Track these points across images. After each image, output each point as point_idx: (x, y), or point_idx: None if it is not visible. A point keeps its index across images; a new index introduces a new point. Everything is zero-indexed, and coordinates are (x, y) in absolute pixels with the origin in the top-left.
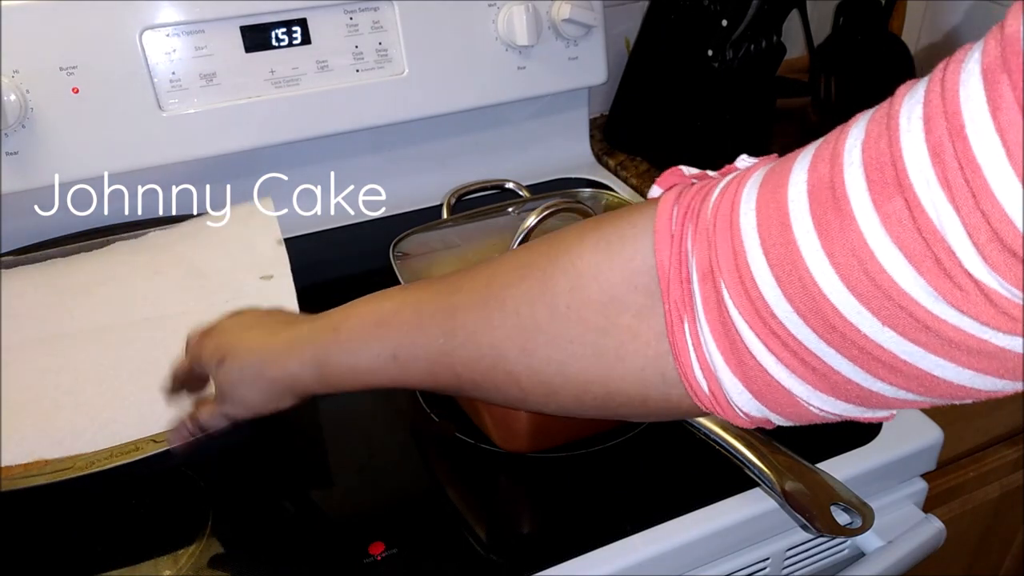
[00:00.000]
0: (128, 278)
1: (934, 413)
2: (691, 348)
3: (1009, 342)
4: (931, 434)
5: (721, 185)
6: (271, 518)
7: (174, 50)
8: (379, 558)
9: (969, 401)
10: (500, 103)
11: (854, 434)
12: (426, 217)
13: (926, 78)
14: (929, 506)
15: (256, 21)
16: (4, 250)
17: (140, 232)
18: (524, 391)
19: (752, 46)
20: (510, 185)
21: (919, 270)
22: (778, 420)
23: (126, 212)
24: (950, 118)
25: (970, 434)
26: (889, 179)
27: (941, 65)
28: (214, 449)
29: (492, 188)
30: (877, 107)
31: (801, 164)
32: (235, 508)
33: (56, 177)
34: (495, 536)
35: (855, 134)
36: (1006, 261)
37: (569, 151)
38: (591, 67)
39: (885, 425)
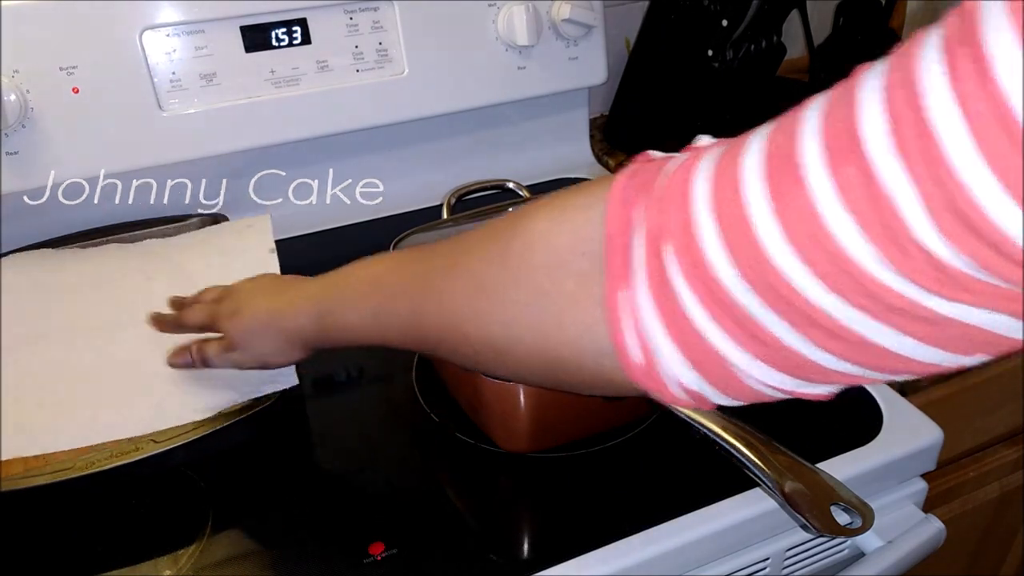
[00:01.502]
0: (117, 281)
1: (934, 413)
2: (626, 318)
3: (953, 310)
4: (931, 434)
5: (678, 160)
6: (271, 518)
7: (174, 50)
8: (379, 558)
9: (910, 377)
10: (500, 103)
11: (854, 434)
12: (426, 217)
13: (885, 59)
14: (929, 506)
15: (256, 21)
16: (4, 250)
17: (134, 235)
18: (477, 353)
19: (752, 46)
20: (510, 185)
21: (868, 235)
22: (715, 396)
23: (126, 212)
24: (908, 88)
25: (970, 434)
26: (845, 146)
27: (901, 47)
28: (214, 449)
29: (492, 188)
30: (837, 84)
31: (759, 135)
32: (235, 508)
33: (56, 177)
34: (495, 536)
35: (814, 106)
36: (956, 227)
37: (569, 151)
38: (591, 67)
39: (885, 425)
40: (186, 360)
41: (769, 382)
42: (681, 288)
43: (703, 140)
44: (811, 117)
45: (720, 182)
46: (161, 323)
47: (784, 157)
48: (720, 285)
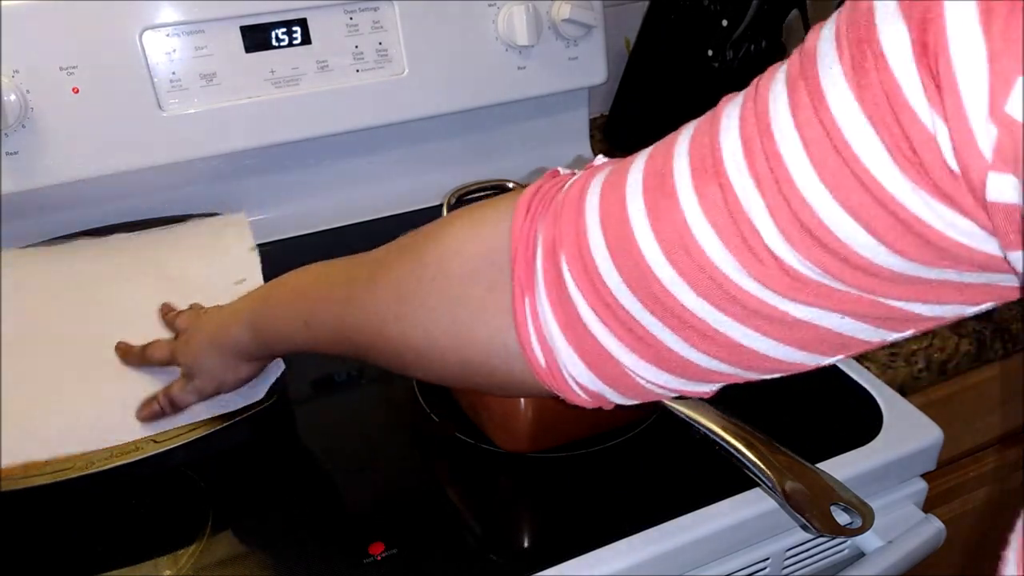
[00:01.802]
0: (98, 283)
1: (934, 413)
2: (530, 322)
3: (807, 314)
4: (931, 434)
5: (576, 176)
6: (271, 518)
7: (174, 50)
8: (379, 558)
9: (777, 375)
10: (500, 103)
11: (854, 434)
12: (426, 217)
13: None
14: (929, 506)
15: (256, 21)
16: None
17: (108, 235)
18: (399, 355)
19: (752, 46)
20: (510, 185)
21: (728, 246)
22: (612, 395)
23: (126, 212)
24: (760, 117)
25: (970, 434)
26: (708, 167)
27: (756, 79)
28: (214, 449)
29: (492, 188)
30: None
31: (641, 156)
32: (235, 508)
33: (56, 177)
34: (495, 536)
35: (686, 132)
36: (803, 239)
37: (569, 151)
38: (591, 67)
39: (885, 425)
40: (154, 409)
41: (656, 381)
42: (575, 294)
43: (599, 160)
44: (683, 140)
45: (607, 197)
46: (127, 354)
47: (660, 175)
48: (607, 290)
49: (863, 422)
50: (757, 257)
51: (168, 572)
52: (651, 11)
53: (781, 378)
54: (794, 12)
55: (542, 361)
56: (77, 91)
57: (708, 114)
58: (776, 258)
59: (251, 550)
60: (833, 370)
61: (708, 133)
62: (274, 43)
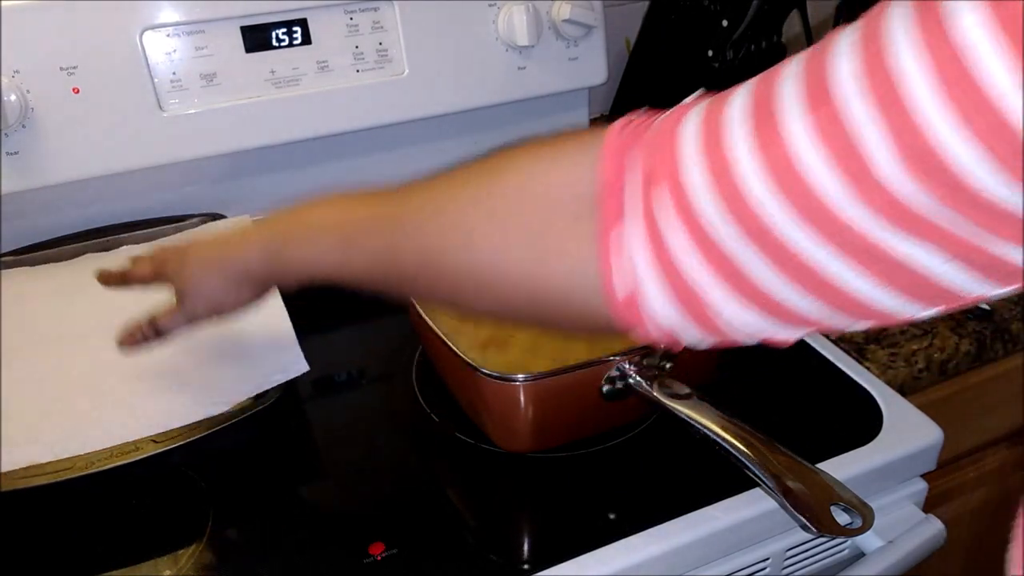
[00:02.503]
0: (99, 288)
1: (934, 413)
2: (616, 254)
3: (910, 251)
4: (931, 434)
5: (666, 114)
6: (271, 518)
7: (174, 50)
8: (379, 558)
9: (864, 324)
10: (500, 103)
11: (854, 434)
12: None
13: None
14: (929, 506)
15: (256, 21)
16: (4, 250)
17: (111, 240)
18: (456, 285)
19: (752, 46)
20: None
21: (838, 173)
22: (689, 333)
23: (126, 212)
24: (876, 39)
25: (970, 434)
26: (819, 93)
27: (866, 13)
28: (214, 449)
29: None
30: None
31: (743, 87)
32: (235, 508)
33: (56, 177)
34: (495, 536)
35: (793, 60)
36: (919, 165)
37: None
38: (591, 67)
39: (885, 425)
40: (137, 337)
41: (740, 320)
42: (669, 225)
43: (688, 100)
44: (791, 67)
45: (708, 126)
46: (107, 277)
47: (765, 102)
48: (705, 221)
49: (863, 422)
50: (868, 185)
51: (168, 572)
52: (651, 11)
53: (781, 378)
54: (794, 12)
55: (621, 295)
56: (77, 91)
57: (815, 46)
58: (888, 185)
59: (251, 550)
60: (833, 370)
61: (818, 59)
62: (274, 43)
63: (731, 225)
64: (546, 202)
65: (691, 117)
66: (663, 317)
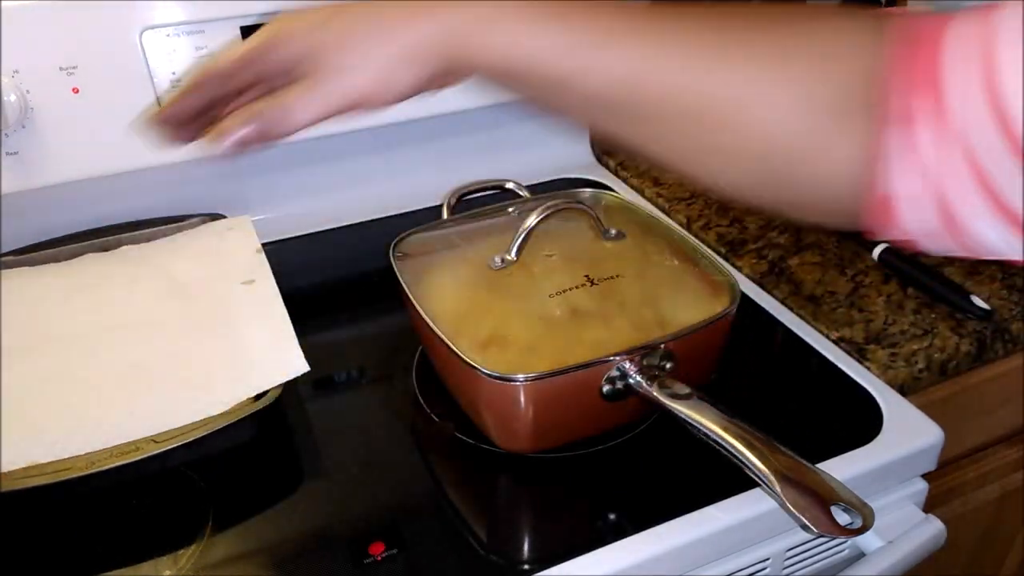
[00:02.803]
0: (102, 288)
1: (934, 413)
2: (883, 155)
3: None
4: (931, 434)
5: (934, 17)
6: (271, 518)
7: (174, 50)
8: (379, 558)
9: None
10: (500, 103)
11: (854, 434)
12: (426, 217)
13: None
14: (929, 506)
15: (256, 21)
16: (4, 250)
17: (112, 240)
18: (701, 117)
19: None
20: (510, 185)
21: None
22: (935, 242)
23: (126, 212)
24: None
25: (970, 434)
26: None
27: None
28: (214, 449)
29: (492, 188)
30: None
31: (1013, 4)
32: (235, 508)
33: (56, 177)
34: (495, 536)
35: None
36: None
37: (569, 151)
38: None
39: (885, 425)
40: (234, 138)
41: (992, 236)
42: (937, 138)
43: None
44: None
45: (977, 41)
46: (163, 109)
47: None
48: (976, 137)
49: (863, 422)
50: None
51: (168, 572)
52: None
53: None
54: None
55: (879, 192)
56: (77, 91)
57: None
58: None
59: (251, 550)
60: (833, 370)
61: None
62: None
63: (1000, 141)
64: (823, 89)
65: (956, 29)
66: (915, 222)
